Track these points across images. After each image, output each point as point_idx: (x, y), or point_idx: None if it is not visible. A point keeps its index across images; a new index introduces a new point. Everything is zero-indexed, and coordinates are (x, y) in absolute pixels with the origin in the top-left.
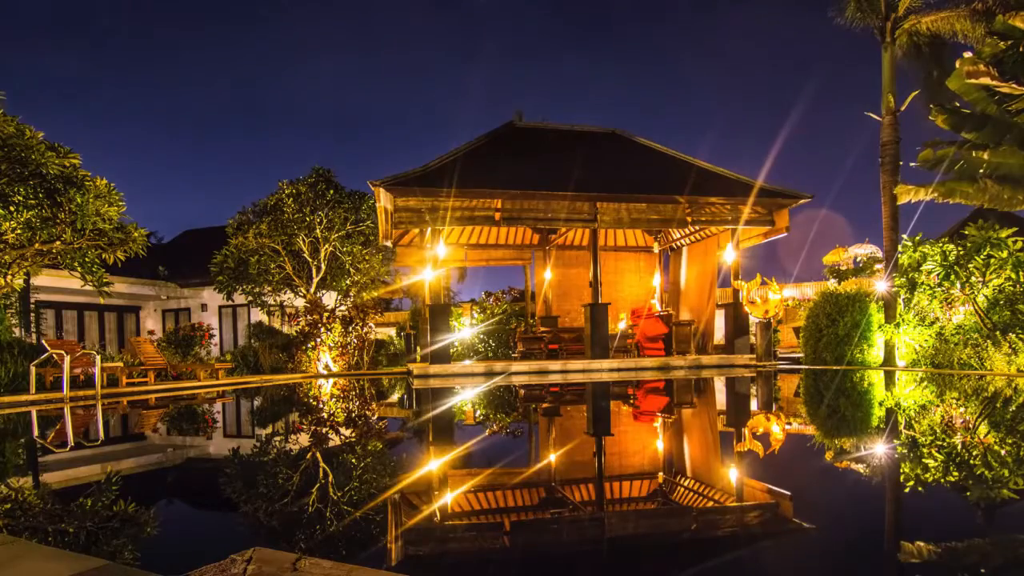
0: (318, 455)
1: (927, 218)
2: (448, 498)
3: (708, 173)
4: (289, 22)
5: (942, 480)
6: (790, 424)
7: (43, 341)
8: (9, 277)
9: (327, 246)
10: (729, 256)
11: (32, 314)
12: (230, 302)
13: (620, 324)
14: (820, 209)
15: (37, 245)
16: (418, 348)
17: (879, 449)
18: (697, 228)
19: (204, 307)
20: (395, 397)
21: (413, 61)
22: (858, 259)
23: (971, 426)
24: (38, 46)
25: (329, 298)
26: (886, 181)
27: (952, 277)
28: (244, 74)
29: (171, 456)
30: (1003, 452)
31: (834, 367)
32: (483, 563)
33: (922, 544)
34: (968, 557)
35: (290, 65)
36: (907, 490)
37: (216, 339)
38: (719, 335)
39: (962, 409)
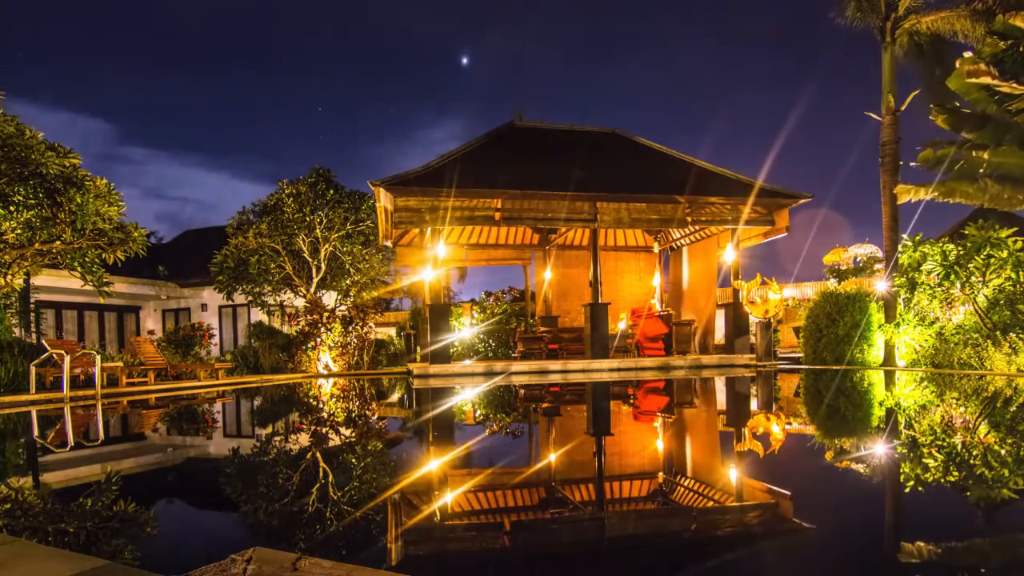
0: (318, 455)
1: (927, 218)
2: (448, 498)
3: (708, 173)
4: (288, 23)
5: (942, 480)
6: (790, 424)
7: (43, 341)
8: (9, 277)
9: (327, 246)
10: (729, 256)
11: (32, 314)
12: (230, 302)
13: (620, 324)
14: (820, 209)
15: (37, 245)
16: (418, 348)
17: (879, 449)
18: (697, 228)
19: (204, 307)
20: (395, 397)
21: (413, 59)
22: (858, 259)
23: (971, 426)
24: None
25: (329, 298)
26: (886, 181)
27: (952, 277)
28: (243, 72)
29: (171, 456)
30: (1003, 452)
31: (834, 367)
32: (483, 563)
33: (922, 544)
34: (968, 557)
35: (290, 63)
36: (907, 490)
37: (216, 339)
38: (719, 335)
39: (962, 409)
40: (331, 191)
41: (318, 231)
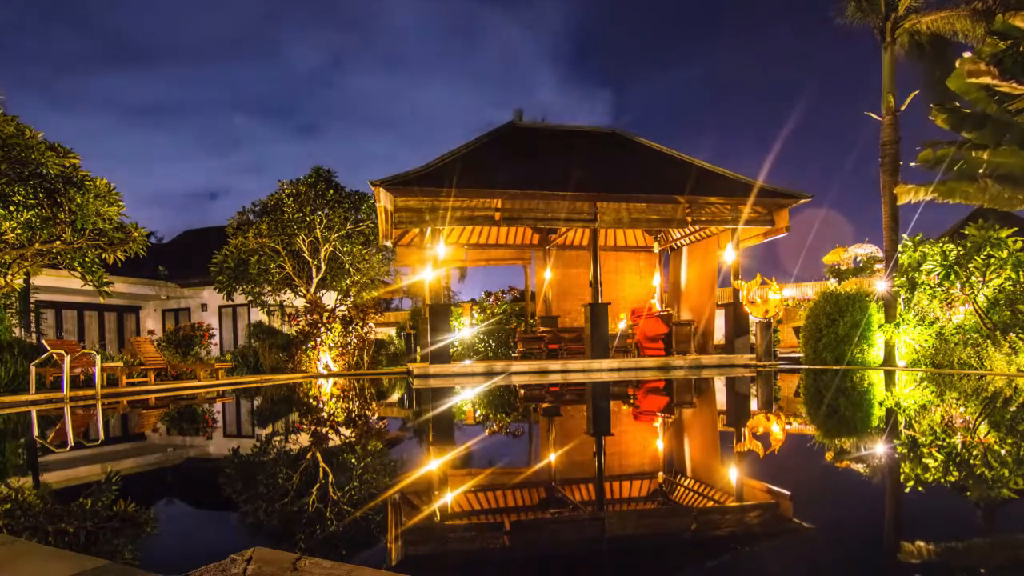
0: (318, 455)
1: (927, 218)
2: (448, 498)
3: (708, 173)
4: (288, 24)
5: (942, 480)
6: (790, 424)
7: (43, 341)
8: (9, 277)
9: (327, 246)
10: (729, 256)
11: (32, 314)
12: (230, 302)
13: (620, 324)
14: (820, 209)
15: (37, 245)
16: (418, 348)
17: (879, 449)
18: (697, 228)
19: (204, 307)
20: (395, 397)
21: (413, 59)
22: (858, 259)
23: (971, 426)
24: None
25: (329, 298)
26: (886, 181)
27: (952, 277)
28: (243, 70)
29: (171, 456)
30: (1003, 452)
31: (834, 367)
32: (483, 563)
33: (922, 544)
34: (968, 557)
35: (287, 63)
36: (907, 490)
37: (216, 339)
38: (719, 335)
39: (962, 409)
40: (331, 191)
41: (318, 231)
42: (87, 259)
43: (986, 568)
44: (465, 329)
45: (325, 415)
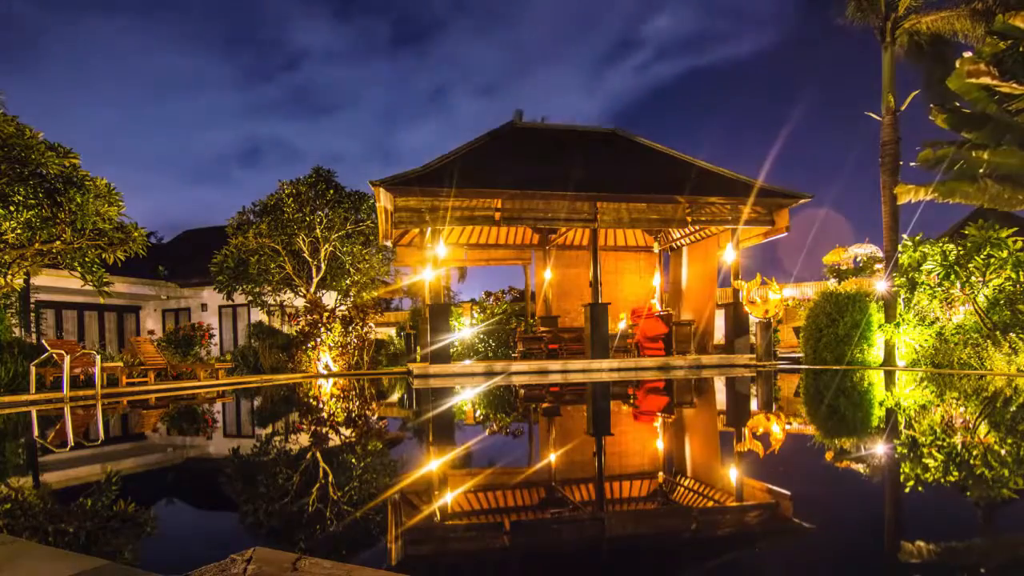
0: (318, 455)
1: (927, 218)
2: (448, 498)
3: (708, 173)
4: (293, 20)
5: (942, 480)
6: (790, 424)
7: (43, 341)
8: (9, 277)
9: (327, 246)
10: (729, 256)
11: (32, 314)
12: (230, 302)
13: (620, 324)
14: (820, 209)
15: (37, 245)
16: (418, 348)
17: (879, 449)
18: (697, 228)
19: (204, 307)
20: (395, 397)
21: (413, 59)
22: (858, 259)
23: (971, 426)
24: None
25: (329, 298)
26: (886, 181)
27: (952, 277)
28: (243, 69)
29: (171, 456)
30: (1003, 452)
31: (834, 367)
32: (483, 563)
33: (922, 544)
34: (968, 557)
35: (286, 62)
36: (907, 490)
37: (216, 339)
38: (719, 335)
39: (962, 409)
40: (331, 191)
41: (318, 231)
42: (87, 259)
43: (986, 568)
44: (465, 329)
45: (325, 415)
